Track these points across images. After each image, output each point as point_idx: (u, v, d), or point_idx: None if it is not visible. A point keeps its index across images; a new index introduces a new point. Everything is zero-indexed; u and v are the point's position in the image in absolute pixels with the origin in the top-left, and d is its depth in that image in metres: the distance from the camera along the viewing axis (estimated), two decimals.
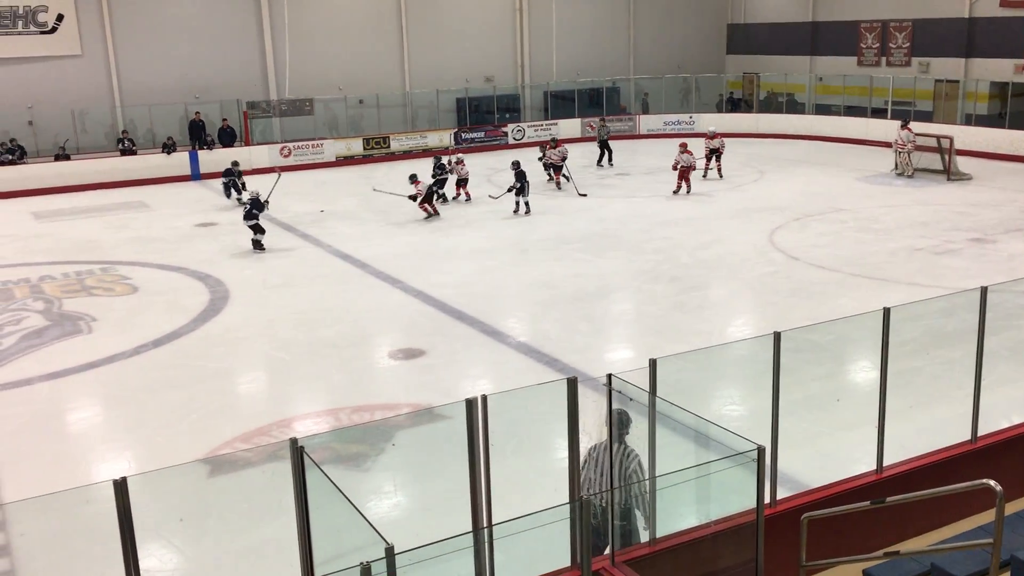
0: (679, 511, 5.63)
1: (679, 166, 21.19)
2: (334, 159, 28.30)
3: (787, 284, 14.20)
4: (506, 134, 31.29)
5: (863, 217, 18.48)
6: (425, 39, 31.81)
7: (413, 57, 31.89)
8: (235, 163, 22.35)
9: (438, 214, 19.58)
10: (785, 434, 6.19)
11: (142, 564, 4.47)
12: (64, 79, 26.91)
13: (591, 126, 31.39)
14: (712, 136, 23.49)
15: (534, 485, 7.39)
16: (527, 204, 19.61)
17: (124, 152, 26.25)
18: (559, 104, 33.24)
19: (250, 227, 17.09)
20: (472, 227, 18.62)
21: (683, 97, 34.42)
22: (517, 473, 7.44)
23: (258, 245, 17.08)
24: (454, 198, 21.23)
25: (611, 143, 26.81)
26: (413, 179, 19.56)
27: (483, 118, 31.83)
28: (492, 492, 5.14)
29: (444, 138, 30.22)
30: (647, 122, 32.64)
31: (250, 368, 11.58)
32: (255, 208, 17.04)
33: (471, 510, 5.14)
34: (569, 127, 31.90)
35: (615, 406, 5.58)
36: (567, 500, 5.23)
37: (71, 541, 6.66)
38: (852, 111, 30.53)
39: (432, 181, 20.56)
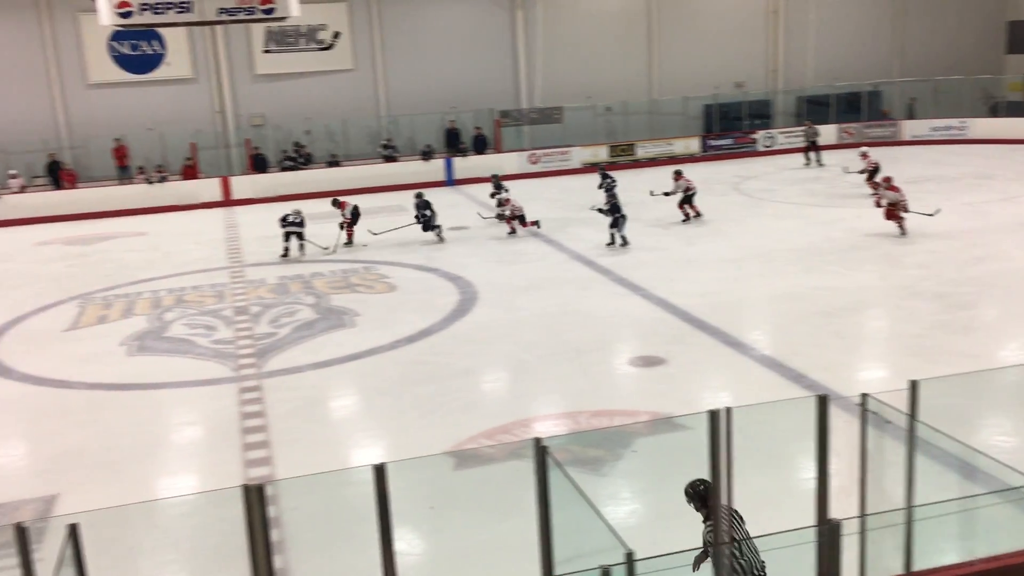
0: (938, 545, 5.23)
1: (882, 203, 17.26)
2: (580, 166, 28.73)
3: None
4: (755, 141, 30.42)
5: None
6: (674, 45, 31.60)
7: (661, 64, 31.77)
8: (419, 194, 20.36)
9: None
10: None
11: (395, 547, 4.77)
12: (337, 92, 29.24)
13: (848, 132, 30.01)
14: (863, 156, 21.62)
15: (777, 505, 7.13)
16: (623, 237, 17.71)
17: (386, 159, 28.10)
18: (814, 109, 31.82)
19: (292, 233, 18.55)
20: (718, 236, 18.27)
21: (953, 101, 31.91)
22: (759, 491, 7.21)
23: (286, 252, 18.48)
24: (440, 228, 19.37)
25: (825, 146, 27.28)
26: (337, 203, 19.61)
27: (731, 124, 31.12)
28: (734, 506, 5.03)
29: (691, 145, 29.87)
30: (912, 127, 30.58)
31: (495, 367, 12.01)
32: (296, 221, 18.59)
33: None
34: (824, 133, 30.51)
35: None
36: (814, 523, 5.01)
37: (333, 518, 7.21)
38: None
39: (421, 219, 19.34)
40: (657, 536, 6.46)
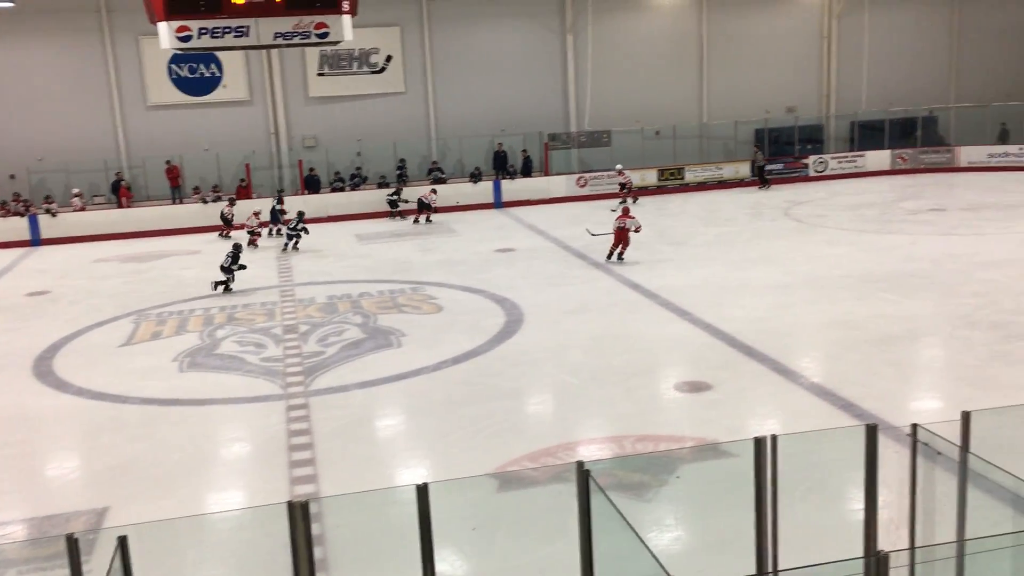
0: None
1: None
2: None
3: None
4: (807, 166, 30.15)
5: None
6: (725, 70, 31.52)
7: (712, 88, 31.68)
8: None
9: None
10: None
11: (436, 567, 4.78)
12: (388, 114, 29.62)
13: (902, 158, 29.66)
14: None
15: (824, 536, 7.01)
16: (225, 284, 17.95)
17: (435, 181, 28.32)
18: (867, 135, 31.54)
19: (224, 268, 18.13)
20: (768, 262, 18.09)
21: (1015, 128, 31.33)
22: (806, 521, 7.10)
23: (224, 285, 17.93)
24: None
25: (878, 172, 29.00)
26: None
27: (783, 149, 30.93)
28: (779, 536, 4.96)
29: (740, 169, 29.70)
30: (968, 154, 30.07)
31: (540, 389, 12.00)
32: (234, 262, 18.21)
33: (755, 552, 4.99)
34: (877, 159, 30.22)
35: None
36: (862, 555, 4.92)
37: (376, 537, 7.24)
38: None
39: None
40: (702, 564, 6.38)
